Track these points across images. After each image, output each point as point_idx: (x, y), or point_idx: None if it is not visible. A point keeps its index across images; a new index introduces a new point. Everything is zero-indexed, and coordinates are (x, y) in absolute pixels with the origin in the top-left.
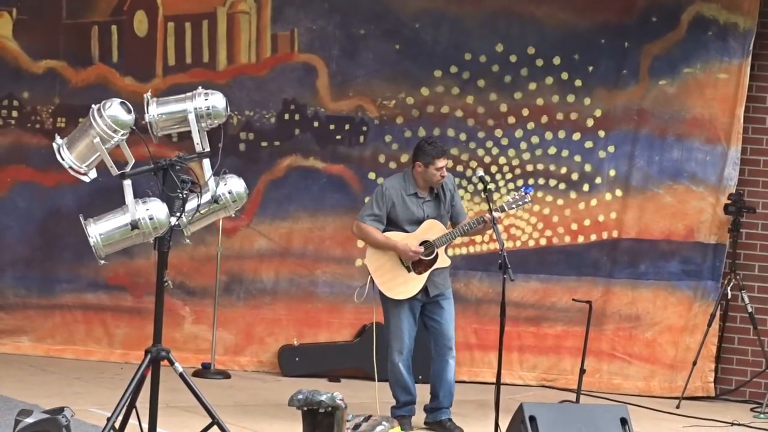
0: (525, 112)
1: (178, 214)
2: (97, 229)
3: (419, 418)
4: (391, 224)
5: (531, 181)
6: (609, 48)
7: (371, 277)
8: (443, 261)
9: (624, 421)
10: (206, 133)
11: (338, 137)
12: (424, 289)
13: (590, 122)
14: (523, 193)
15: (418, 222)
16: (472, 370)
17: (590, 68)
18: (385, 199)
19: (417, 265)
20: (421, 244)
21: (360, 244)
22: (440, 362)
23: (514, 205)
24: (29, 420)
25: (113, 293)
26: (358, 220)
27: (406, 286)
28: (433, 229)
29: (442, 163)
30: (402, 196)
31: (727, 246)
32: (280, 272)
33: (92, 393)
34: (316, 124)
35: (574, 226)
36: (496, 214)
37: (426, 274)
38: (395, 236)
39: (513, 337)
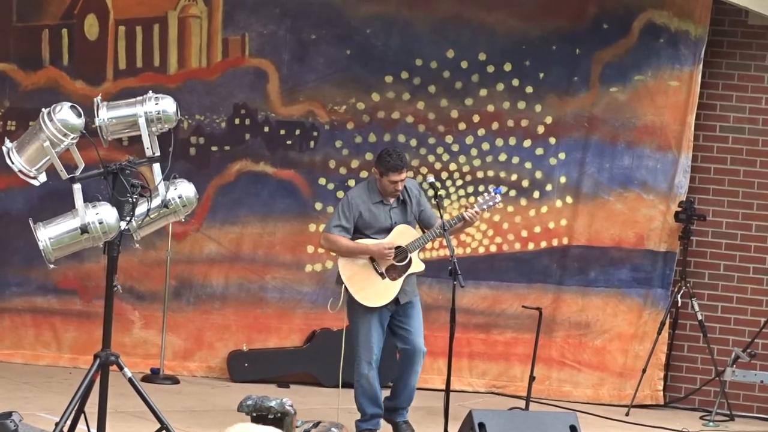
0: (476, 118)
1: (127, 218)
2: (46, 233)
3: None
4: (360, 234)
5: (481, 188)
6: (560, 55)
7: (345, 286)
8: (417, 266)
9: (573, 429)
10: (156, 138)
11: (288, 142)
12: (395, 298)
13: (541, 129)
14: (492, 194)
15: (387, 230)
16: (422, 377)
17: (541, 75)
18: (351, 208)
19: (391, 271)
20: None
21: (310, 249)
22: (409, 369)
23: (484, 206)
24: None
25: (63, 297)
26: (325, 232)
27: (382, 293)
28: (405, 234)
29: (396, 176)
30: (368, 204)
31: (677, 254)
32: (230, 277)
33: (41, 398)
34: (266, 129)
35: (524, 233)
36: (470, 212)
37: (401, 280)
38: (366, 242)
39: (463, 343)
